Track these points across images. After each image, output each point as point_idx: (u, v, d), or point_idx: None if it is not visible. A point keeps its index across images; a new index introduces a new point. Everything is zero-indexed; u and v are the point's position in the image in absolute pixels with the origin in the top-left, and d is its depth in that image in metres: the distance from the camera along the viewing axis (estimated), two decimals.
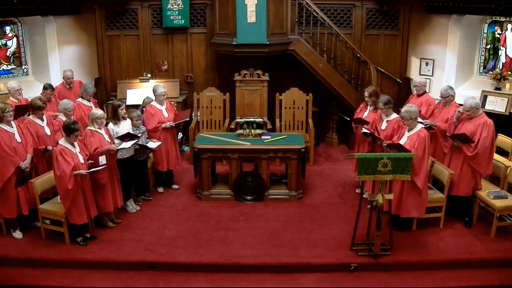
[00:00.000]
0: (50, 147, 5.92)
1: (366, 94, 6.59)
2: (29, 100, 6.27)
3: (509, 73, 8.28)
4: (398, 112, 6.31)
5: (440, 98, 6.48)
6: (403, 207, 5.60)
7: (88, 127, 5.76)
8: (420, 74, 8.89)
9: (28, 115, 6.15)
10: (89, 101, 7.07)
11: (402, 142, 5.59)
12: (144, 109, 6.82)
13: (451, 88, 6.42)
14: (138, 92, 8.23)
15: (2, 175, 5.44)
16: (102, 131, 5.81)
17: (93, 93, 7.18)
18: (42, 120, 6.08)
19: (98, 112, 5.79)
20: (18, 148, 5.49)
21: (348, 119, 6.82)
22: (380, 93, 6.64)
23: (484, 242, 5.63)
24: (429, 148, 5.61)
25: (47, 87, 6.97)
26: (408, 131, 5.63)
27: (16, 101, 6.64)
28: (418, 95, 6.97)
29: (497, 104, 8.16)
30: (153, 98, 6.93)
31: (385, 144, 5.81)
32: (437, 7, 8.43)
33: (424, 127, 5.65)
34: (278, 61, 8.46)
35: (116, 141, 5.99)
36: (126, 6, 8.67)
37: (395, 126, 6.00)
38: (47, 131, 6.07)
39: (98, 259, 5.33)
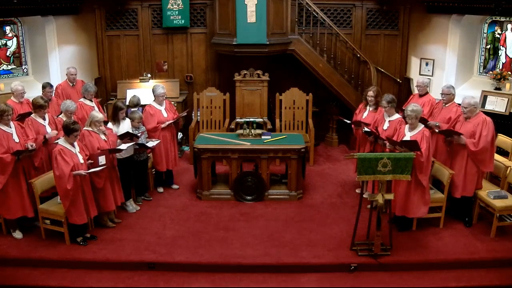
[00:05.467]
0: (48, 134, 5.93)
1: (371, 93, 6.52)
2: (31, 100, 6.28)
3: (509, 73, 8.28)
4: (399, 112, 6.32)
5: (440, 97, 6.44)
6: (410, 207, 5.60)
7: (85, 128, 5.75)
8: (420, 74, 8.89)
9: (30, 114, 6.15)
10: (91, 100, 7.09)
11: None
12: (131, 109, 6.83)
13: (453, 87, 6.42)
14: (138, 92, 8.21)
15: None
16: (100, 132, 5.81)
17: (95, 92, 7.19)
18: (44, 119, 6.09)
19: (99, 115, 5.80)
20: (16, 148, 5.47)
21: (348, 121, 6.81)
22: (380, 94, 6.65)
23: (484, 242, 5.62)
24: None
25: (46, 86, 6.99)
26: (410, 130, 5.63)
27: (17, 102, 6.64)
28: (420, 95, 6.94)
29: (497, 104, 8.16)
30: (140, 97, 7.12)
31: (388, 145, 5.77)
32: (437, 7, 8.43)
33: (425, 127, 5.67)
34: (278, 61, 8.46)
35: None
36: (126, 6, 8.67)
37: (397, 127, 5.98)
38: (49, 130, 6.08)
39: (98, 259, 5.33)
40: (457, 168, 5.85)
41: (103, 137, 5.80)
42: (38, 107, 6.00)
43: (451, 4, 8.17)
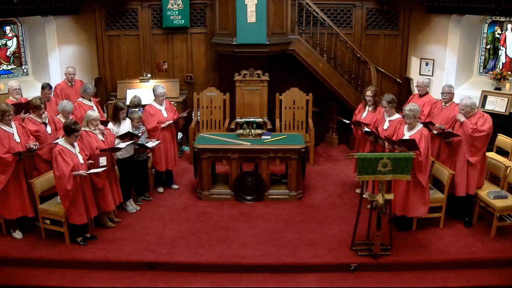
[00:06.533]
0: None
1: (369, 93, 6.54)
2: (29, 100, 6.28)
3: (509, 73, 8.28)
4: (399, 112, 6.32)
5: (442, 97, 6.40)
6: (409, 207, 5.60)
7: (82, 128, 5.74)
8: (420, 74, 8.89)
9: (29, 113, 6.16)
10: (90, 100, 7.09)
11: None
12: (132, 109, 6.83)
13: (453, 87, 6.43)
14: (138, 92, 8.23)
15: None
16: (96, 131, 5.81)
17: (93, 93, 7.19)
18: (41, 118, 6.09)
19: (94, 114, 5.82)
20: (17, 148, 5.48)
21: (347, 122, 6.81)
22: (380, 94, 6.66)
23: (484, 242, 5.63)
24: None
25: (45, 86, 6.99)
26: (409, 130, 5.64)
27: (15, 100, 6.66)
28: (420, 96, 6.94)
29: (497, 104, 8.15)
30: (141, 97, 7.12)
31: (387, 144, 5.78)
32: (437, 7, 8.43)
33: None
34: (278, 61, 8.46)
35: (116, 140, 6.00)
36: (126, 6, 8.67)
37: (397, 126, 5.98)
38: (48, 130, 6.07)
39: (98, 259, 5.33)
40: (458, 166, 5.86)
41: (100, 137, 5.80)
42: (34, 107, 6.01)
43: (451, 4, 8.16)
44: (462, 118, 5.78)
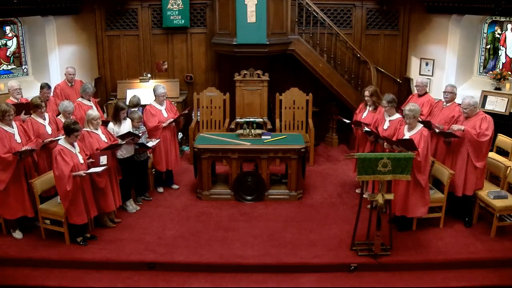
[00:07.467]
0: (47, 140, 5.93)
1: (367, 93, 6.57)
2: (29, 100, 6.28)
3: (509, 73, 8.28)
4: (399, 112, 6.32)
5: (444, 96, 6.41)
6: (409, 207, 5.60)
7: (84, 128, 5.74)
8: (420, 74, 8.89)
9: (29, 115, 6.16)
10: (89, 100, 7.09)
11: None
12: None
13: (455, 87, 6.44)
14: (138, 92, 8.23)
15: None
16: (99, 132, 5.82)
17: (93, 93, 7.18)
18: (44, 119, 6.09)
19: (93, 113, 5.82)
20: (18, 149, 5.47)
21: (348, 121, 6.82)
22: (380, 94, 6.66)
23: (484, 242, 5.63)
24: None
25: (44, 86, 6.99)
26: (409, 130, 5.63)
27: (15, 100, 6.66)
28: (419, 95, 6.96)
29: (497, 104, 8.16)
30: (140, 97, 7.10)
31: (386, 144, 5.78)
32: (437, 7, 8.44)
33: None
34: (278, 61, 8.46)
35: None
36: (126, 6, 8.67)
37: (397, 126, 5.98)
38: (49, 130, 6.07)
39: (98, 259, 5.33)
40: (458, 167, 5.86)
41: (103, 137, 5.80)
42: (35, 106, 6.01)
43: (451, 4, 8.17)
44: (461, 127, 5.71)
